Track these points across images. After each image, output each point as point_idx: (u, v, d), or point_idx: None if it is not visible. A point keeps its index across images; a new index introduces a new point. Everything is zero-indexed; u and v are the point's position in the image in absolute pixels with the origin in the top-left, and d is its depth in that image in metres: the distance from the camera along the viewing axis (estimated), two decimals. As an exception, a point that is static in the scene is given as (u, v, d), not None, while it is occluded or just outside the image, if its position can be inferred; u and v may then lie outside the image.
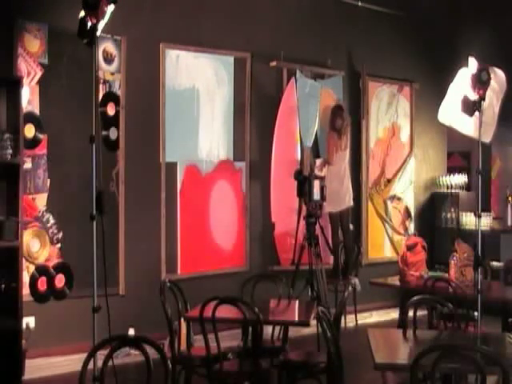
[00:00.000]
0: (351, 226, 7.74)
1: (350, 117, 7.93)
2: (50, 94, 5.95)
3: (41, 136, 5.90)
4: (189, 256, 6.87)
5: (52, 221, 5.98)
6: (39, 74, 5.89)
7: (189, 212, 6.91)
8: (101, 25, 3.55)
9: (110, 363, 2.88)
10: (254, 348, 4.31)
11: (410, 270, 6.05)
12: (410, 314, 4.36)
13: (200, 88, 7.06)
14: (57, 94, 5.99)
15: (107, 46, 6.32)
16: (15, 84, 5.20)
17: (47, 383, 5.34)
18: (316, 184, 6.55)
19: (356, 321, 7.40)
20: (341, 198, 7.55)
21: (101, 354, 2.92)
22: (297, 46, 7.70)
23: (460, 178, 9.03)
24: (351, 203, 7.70)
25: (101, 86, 6.27)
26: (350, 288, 7.09)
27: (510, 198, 8.46)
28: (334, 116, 7.62)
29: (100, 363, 2.90)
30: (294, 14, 7.76)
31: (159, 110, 6.73)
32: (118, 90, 6.41)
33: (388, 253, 8.67)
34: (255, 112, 7.46)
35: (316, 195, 6.56)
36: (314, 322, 4.65)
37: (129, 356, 5.58)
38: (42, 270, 5.90)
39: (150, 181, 6.67)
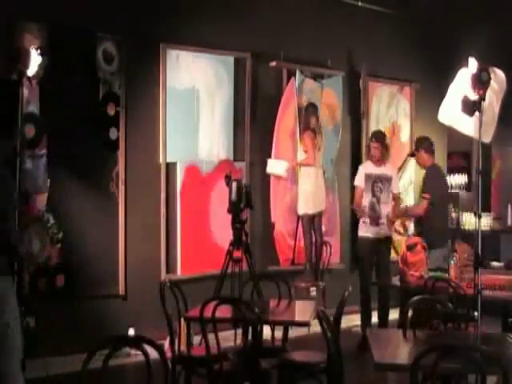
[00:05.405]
0: (323, 228, 7.63)
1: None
2: (50, 94, 5.95)
3: (41, 136, 5.90)
4: (189, 256, 6.86)
5: (52, 221, 5.98)
6: (39, 73, 5.88)
7: (189, 212, 6.90)
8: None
9: (109, 363, 2.88)
10: (254, 348, 4.31)
11: (410, 270, 6.04)
12: (410, 313, 4.36)
13: (200, 88, 7.06)
14: (57, 94, 5.99)
15: (107, 45, 6.32)
16: (15, 84, 5.19)
17: (47, 383, 5.34)
18: (233, 186, 6.12)
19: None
20: (316, 200, 7.39)
21: (101, 354, 2.92)
22: (297, 46, 7.70)
23: (460, 178, 9.03)
24: (324, 206, 7.54)
25: (101, 85, 6.27)
26: (315, 293, 7.09)
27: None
28: (307, 115, 7.51)
29: (100, 363, 2.90)
30: (294, 14, 7.75)
31: (159, 109, 6.73)
32: (117, 89, 6.41)
33: (388, 253, 8.65)
34: (255, 112, 7.46)
35: (233, 198, 6.13)
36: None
37: (129, 356, 5.57)
38: (42, 270, 5.90)
39: (150, 181, 6.66)
